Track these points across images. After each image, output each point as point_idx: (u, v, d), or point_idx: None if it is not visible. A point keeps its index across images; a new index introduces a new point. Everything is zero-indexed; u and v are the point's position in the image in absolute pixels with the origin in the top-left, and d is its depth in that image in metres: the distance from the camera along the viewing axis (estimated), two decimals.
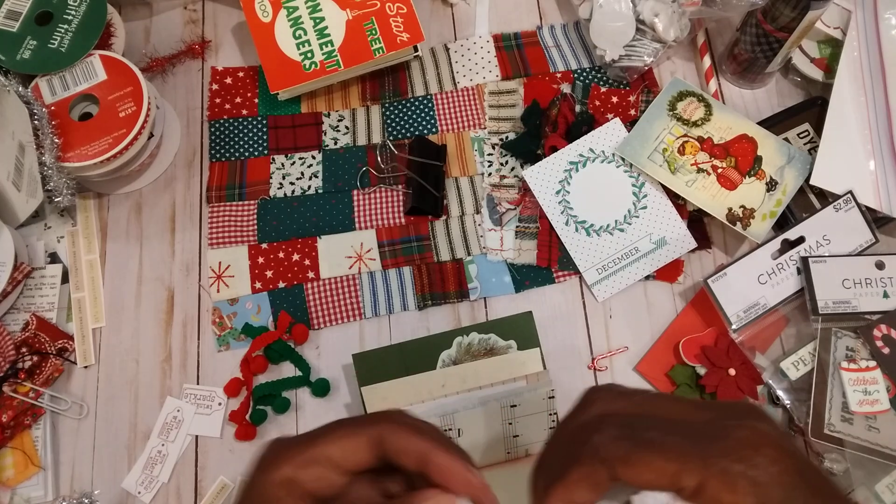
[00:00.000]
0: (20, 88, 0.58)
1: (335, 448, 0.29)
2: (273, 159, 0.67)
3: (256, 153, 0.67)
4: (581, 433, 0.28)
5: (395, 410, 0.32)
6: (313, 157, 0.67)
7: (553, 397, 0.53)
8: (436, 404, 0.52)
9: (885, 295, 0.58)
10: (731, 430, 0.26)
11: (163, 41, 0.71)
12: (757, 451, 0.25)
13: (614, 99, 0.69)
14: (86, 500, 0.56)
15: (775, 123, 0.66)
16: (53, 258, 0.64)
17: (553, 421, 0.54)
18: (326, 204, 0.66)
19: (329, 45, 0.66)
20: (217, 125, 0.68)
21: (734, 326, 0.59)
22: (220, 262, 0.63)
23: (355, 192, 0.66)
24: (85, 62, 0.62)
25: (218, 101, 0.69)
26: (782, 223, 0.63)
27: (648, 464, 0.26)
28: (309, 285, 0.63)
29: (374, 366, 0.55)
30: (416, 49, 0.69)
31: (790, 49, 0.64)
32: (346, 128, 0.69)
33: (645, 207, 0.64)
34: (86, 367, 0.60)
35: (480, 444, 0.53)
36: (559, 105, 0.67)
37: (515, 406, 0.52)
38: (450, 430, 0.51)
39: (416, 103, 0.70)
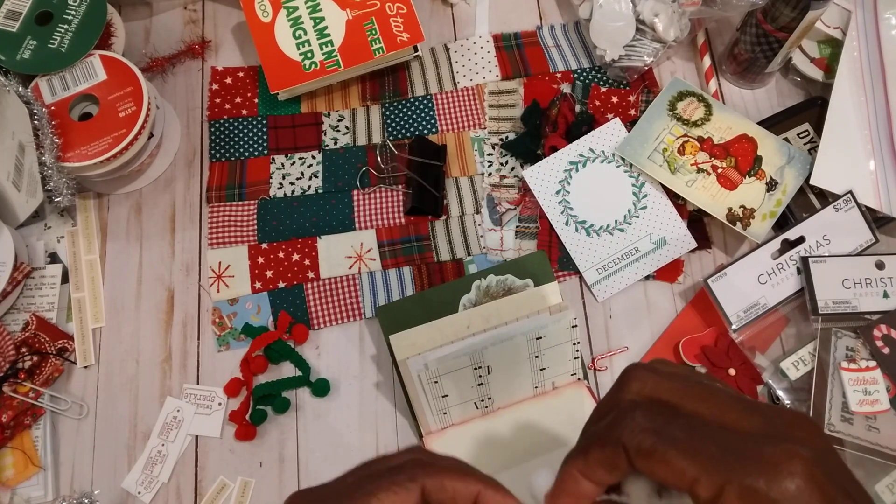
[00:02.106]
0: (20, 88, 0.58)
1: None
2: (273, 159, 0.67)
3: (256, 153, 0.67)
4: (611, 413, 0.28)
5: (419, 449, 0.31)
6: (313, 157, 0.67)
7: (576, 326, 0.53)
8: (464, 344, 0.52)
9: (885, 295, 0.58)
10: (765, 448, 0.24)
11: (163, 41, 0.71)
12: (784, 476, 0.24)
13: (614, 99, 0.69)
14: (86, 500, 0.56)
15: (775, 123, 0.66)
16: (53, 258, 0.64)
17: (577, 350, 0.55)
18: (326, 204, 0.66)
19: (329, 45, 0.66)
20: (217, 125, 0.68)
21: (734, 326, 0.59)
22: (220, 262, 0.63)
23: (355, 192, 0.66)
24: (85, 62, 0.62)
25: (218, 101, 0.69)
26: (782, 223, 0.63)
27: (668, 462, 0.25)
28: (309, 285, 0.63)
29: (397, 317, 0.56)
30: (416, 49, 0.69)
31: (790, 49, 0.64)
32: (346, 128, 0.69)
33: (645, 207, 0.64)
34: (86, 367, 0.60)
35: (509, 381, 0.54)
36: (559, 105, 0.67)
37: (541, 338, 0.53)
38: (479, 367, 0.52)
39: (416, 103, 0.70)
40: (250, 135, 0.68)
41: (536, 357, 0.53)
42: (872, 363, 0.56)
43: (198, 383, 0.60)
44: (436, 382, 0.52)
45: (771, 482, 0.23)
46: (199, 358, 0.61)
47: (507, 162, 0.67)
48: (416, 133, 0.68)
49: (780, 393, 0.57)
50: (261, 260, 0.63)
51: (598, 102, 0.69)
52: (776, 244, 0.60)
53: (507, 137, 0.68)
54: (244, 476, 0.57)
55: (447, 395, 0.53)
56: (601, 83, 0.70)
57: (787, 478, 0.23)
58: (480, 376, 0.53)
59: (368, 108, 0.70)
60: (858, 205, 0.61)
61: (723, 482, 0.24)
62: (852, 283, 0.58)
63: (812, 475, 0.23)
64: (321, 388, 0.59)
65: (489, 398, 0.54)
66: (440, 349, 0.52)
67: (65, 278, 0.63)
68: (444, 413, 0.54)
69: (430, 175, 0.65)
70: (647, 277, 0.63)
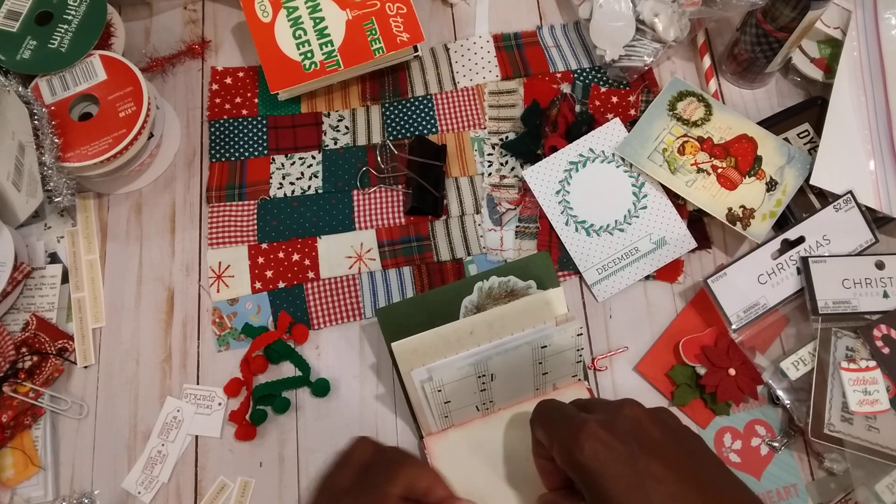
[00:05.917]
0: (20, 88, 0.58)
1: None
2: (273, 159, 0.67)
3: (256, 153, 0.67)
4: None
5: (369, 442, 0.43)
6: (313, 157, 0.67)
7: (581, 335, 0.53)
8: (468, 354, 0.51)
9: (885, 295, 0.58)
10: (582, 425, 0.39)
11: (163, 41, 0.71)
12: (581, 441, 0.39)
13: (614, 99, 0.69)
14: (86, 500, 0.56)
15: (775, 123, 0.66)
16: (53, 258, 0.64)
17: (580, 355, 0.55)
18: (326, 204, 0.66)
19: (329, 45, 0.66)
20: (217, 125, 0.68)
21: (734, 326, 0.59)
22: (220, 262, 0.63)
23: (355, 192, 0.66)
24: (85, 62, 0.62)
25: (218, 101, 0.69)
26: (782, 223, 0.63)
27: (535, 432, 0.44)
28: (309, 285, 0.63)
29: (397, 318, 0.55)
30: (416, 49, 0.69)
31: (790, 49, 0.64)
32: (346, 128, 0.69)
33: (645, 207, 0.64)
34: (86, 367, 0.60)
35: (511, 385, 0.54)
36: (559, 105, 0.67)
37: (546, 346, 0.52)
38: (483, 376, 0.52)
39: (416, 103, 0.70)
40: (250, 135, 0.68)
41: (540, 363, 0.53)
42: (872, 363, 0.56)
43: (198, 383, 0.60)
44: (439, 391, 0.52)
45: (572, 440, 0.39)
46: (199, 358, 0.61)
47: (507, 162, 0.67)
48: (416, 133, 0.68)
49: (780, 393, 0.57)
50: (261, 260, 0.63)
51: (598, 102, 0.69)
52: (776, 244, 0.60)
53: (507, 137, 0.68)
54: (244, 476, 0.57)
55: (449, 402, 0.53)
56: (601, 83, 0.70)
57: (582, 434, 0.39)
58: (484, 383, 0.53)
59: (368, 108, 0.70)
60: (858, 205, 0.61)
61: (554, 442, 0.41)
62: (852, 283, 0.58)
63: (595, 431, 0.39)
64: (321, 388, 0.59)
65: (491, 401, 0.54)
66: (444, 360, 0.51)
67: (65, 278, 0.63)
68: (446, 416, 0.54)
69: (430, 175, 0.65)
70: (647, 277, 0.63)
